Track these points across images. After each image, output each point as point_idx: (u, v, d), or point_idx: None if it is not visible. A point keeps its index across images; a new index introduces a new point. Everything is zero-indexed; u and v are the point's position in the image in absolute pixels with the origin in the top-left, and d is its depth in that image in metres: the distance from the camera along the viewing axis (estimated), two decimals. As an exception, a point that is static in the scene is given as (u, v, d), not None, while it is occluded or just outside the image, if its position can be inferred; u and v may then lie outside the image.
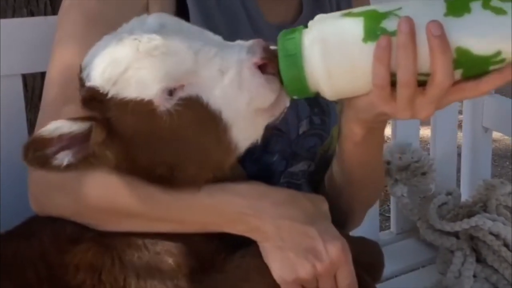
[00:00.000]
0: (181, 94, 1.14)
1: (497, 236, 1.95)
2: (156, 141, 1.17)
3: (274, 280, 1.23)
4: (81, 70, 1.19)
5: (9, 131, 1.59)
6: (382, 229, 2.49)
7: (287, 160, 1.50)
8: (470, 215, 2.04)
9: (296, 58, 1.12)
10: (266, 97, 1.15)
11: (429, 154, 2.31)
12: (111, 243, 1.24)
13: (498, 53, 1.05)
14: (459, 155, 2.44)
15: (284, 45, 1.13)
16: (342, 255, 1.22)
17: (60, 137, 1.13)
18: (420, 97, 1.08)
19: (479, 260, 1.98)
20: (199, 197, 1.22)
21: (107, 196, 1.23)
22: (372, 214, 2.15)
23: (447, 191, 2.18)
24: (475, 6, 1.06)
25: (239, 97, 1.15)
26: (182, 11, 1.37)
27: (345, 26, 1.11)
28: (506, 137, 4.35)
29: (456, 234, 2.04)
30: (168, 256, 1.23)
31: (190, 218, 1.23)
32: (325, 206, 1.28)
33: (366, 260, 1.38)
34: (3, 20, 1.56)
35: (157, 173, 1.20)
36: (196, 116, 1.15)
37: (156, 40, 1.14)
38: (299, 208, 1.23)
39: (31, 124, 1.62)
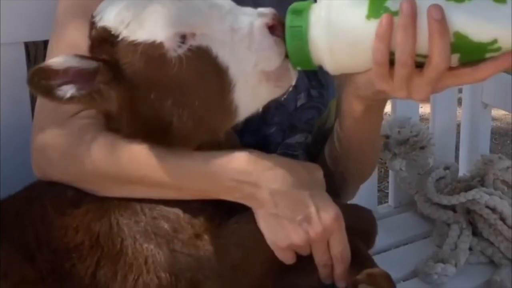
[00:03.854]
0: (192, 42, 1.16)
1: (493, 210, 1.96)
2: (161, 88, 1.18)
3: (267, 246, 1.26)
4: (93, 16, 1.21)
5: (11, 99, 1.61)
6: (381, 204, 2.50)
7: (284, 131, 1.52)
8: (467, 189, 2.05)
9: (302, 31, 1.15)
10: (273, 59, 1.19)
11: (428, 128, 2.33)
12: (109, 207, 1.27)
13: (495, 41, 1.07)
14: (458, 131, 2.46)
15: (292, 17, 1.16)
16: (335, 222, 1.24)
17: (67, 70, 1.15)
18: (417, 78, 1.11)
19: (475, 233, 1.99)
20: (197, 164, 1.24)
21: (107, 163, 1.26)
22: (371, 187, 2.18)
23: (445, 166, 2.19)
24: None
25: (247, 56, 1.18)
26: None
27: (351, 3, 1.13)
28: (507, 115, 4.36)
29: (453, 208, 2.06)
30: (165, 221, 1.26)
31: (188, 185, 1.25)
32: (319, 174, 1.30)
33: (360, 227, 1.41)
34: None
35: (155, 125, 1.22)
36: (204, 67, 1.17)
37: None
38: (294, 175, 1.24)
39: (33, 94, 1.64)
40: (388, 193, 2.49)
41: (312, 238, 1.24)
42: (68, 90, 1.15)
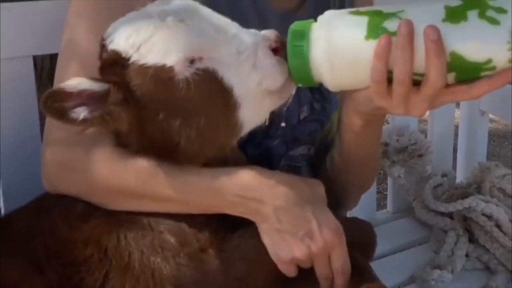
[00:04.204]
0: (199, 65, 1.19)
1: (489, 217, 2.00)
2: (169, 109, 1.21)
3: (271, 259, 1.29)
4: (103, 38, 1.24)
5: (19, 111, 1.64)
6: (380, 207, 2.54)
7: (287, 144, 1.56)
8: (464, 196, 2.09)
9: (303, 49, 1.19)
10: (276, 78, 1.22)
11: (426, 136, 2.36)
12: (117, 221, 1.30)
13: (489, 60, 1.11)
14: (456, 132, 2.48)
15: (293, 36, 1.20)
16: (336, 237, 1.28)
17: (80, 93, 1.18)
18: (414, 95, 1.15)
19: (472, 240, 2.03)
20: (203, 180, 1.27)
21: (116, 177, 1.29)
22: (369, 193, 2.20)
23: (443, 173, 2.23)
24: (472, 15, 1.12)
25: (251, 76, 1.22)
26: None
27: (350, 23, 1.17)
28: (506, 117, 4.39)
29: (450, 215, 2.10)
30: (171, 235, 1.29)
31: (195, 200, 1.29)
32: (321, 189, 1.33)
33: (360, 240, 1.44)
34: (14, 4, 1.61)
35: (163, 143, 1.25)
36: (210, 88, 1.20)
37: (183, 14, 1.21)
38: (297, 192, 1.28)
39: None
40: (386, 195, 2.52)
41: (314, 252, 1.28)
42: (81, 113, 1.19)
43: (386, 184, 2.85)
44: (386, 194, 2.56)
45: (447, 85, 1.13)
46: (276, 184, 1.27)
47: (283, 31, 1.42)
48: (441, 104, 1.18)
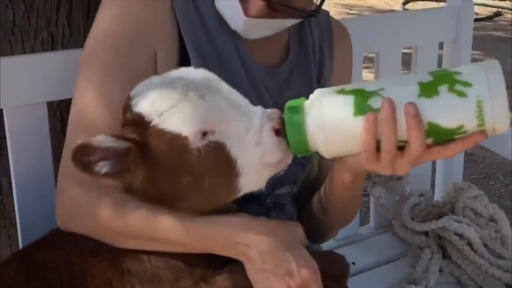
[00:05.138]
0: (211, 137, 1.36)
1: (461, 236, 2.18)
2: (179, 170, 1.37)
3: (256, 294, 1.46)
4: (129, 98, 1.41)
5: (35, 154, 1.79)
6: (363, 222, 2.70)
7: (273, 184, 1.72)
8: (439, 216, 2.26)
9: (300, 128, 1.37)
10: (276, 155, 1.40)
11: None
12: (122, 257, 1.46)
13: (461, 126, 1.30)
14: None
15: (290, 115, 1.38)
16: (312, 275, 1.44)
17: (105, 148, 1.34)
18: (399, 159, 1.34)
19: (445, 256, 2.20)
20: (198, 226, 1.43)
21: (121, 222, 1.45)
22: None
23: (420, 193, 2.40)
24: (442, 89, 1.30)
25: (255, 151, 1.39)
26: (184, 58, 1.61)
27: (339, 102, 1.36)
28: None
29: (426, 233, 2.27)
30: (168, 270, 1.45)
31: (190, 243, 1.45)
32: (300, 231, 1.50)
33: (334, 271, 1.61)
34: (30, 55, 1.77)
35: (168, 195, 1.41)
36: (217, 159, 1.37)
37: (203, 90, 1.37)
38: (278, 237, 1.44)
39: (55, 149, 1.81)
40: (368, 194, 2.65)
41: None
42: (103, 167, 1.35)
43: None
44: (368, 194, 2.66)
45: (427, 147, 1.32)
46: (261, 231, 1.44)
47: (268, 83, 1.59)
48: (422, 163, 1.38)
